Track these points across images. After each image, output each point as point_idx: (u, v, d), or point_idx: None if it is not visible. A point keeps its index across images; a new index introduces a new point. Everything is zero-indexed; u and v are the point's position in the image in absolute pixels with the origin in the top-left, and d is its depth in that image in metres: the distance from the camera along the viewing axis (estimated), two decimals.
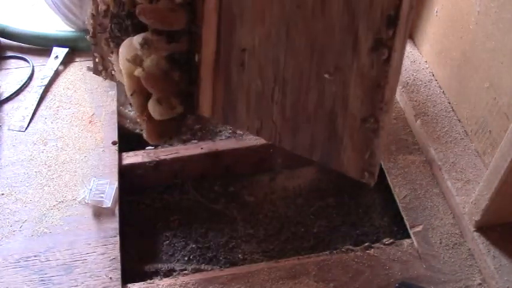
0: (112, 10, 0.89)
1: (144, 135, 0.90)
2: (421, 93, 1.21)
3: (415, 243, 0.99)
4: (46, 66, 1.31)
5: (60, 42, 1.35)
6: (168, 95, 0.87)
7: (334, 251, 0.98)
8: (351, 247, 0.99)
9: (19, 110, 1.23)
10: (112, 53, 0.91)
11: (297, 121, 0.81)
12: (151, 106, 0.85)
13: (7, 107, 1.24)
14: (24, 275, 0.94)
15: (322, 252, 0.99)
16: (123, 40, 0.88)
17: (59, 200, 1.05)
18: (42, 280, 0.94)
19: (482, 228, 0.96)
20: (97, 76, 1.09)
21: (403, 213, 1.04)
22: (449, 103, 1.18)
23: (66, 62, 1.33)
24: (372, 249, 0.98)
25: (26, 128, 1.19)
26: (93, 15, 0.94)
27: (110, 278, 0.94)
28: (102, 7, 0.92)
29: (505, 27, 0.94)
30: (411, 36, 1.34)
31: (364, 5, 0.67)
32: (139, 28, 0.86)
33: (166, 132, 0.90)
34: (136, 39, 0.84)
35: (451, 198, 1.03)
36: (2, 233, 1.01)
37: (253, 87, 0.83)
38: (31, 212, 1.04)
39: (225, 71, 0.85)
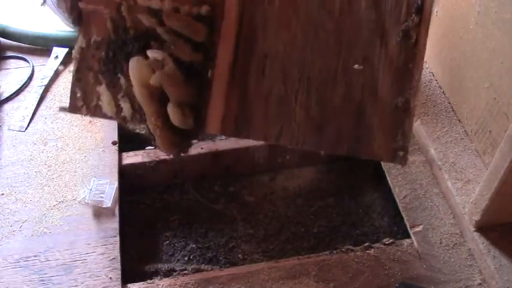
0: (112, 37, 0.89)
1: (157, 143, 0.88)
2: (421, 93, 1.21)
3: (415, 243, 0.99)
4: (46, 66, 1.31)
5: (60, 42, 1.35)
6: (185, 100, 0.86)
7: (334, 251, 0.98)
8: (351, 247, 0.99)
9: (19, 110, 1.23)
10: (100, 84, 0.90)
11: (323, 117, 0.82)
12: (171, 109, 0.84)
13: (7, 107, 1.24)
14: (24, 275, 0.94)
15: (322, 252, 0.99)
16: (115, 71, 0.88)
17: (59, 200, 1.05)
18: (42, 280, 0.94)
19: (482, 228, 0.96)
20: None
21: (403, 213, 1.04)
22: (449, 103, 1.18)
23: (66, 62, 1.33)
24: (372, 249, 0.98)
25: (26, 128, 1.19)
26: (81, 49, 0.91)
27: (110, 278, 0.94)
28: (96, 38, 0.90)
29: (505, 27, 0.94)
30: None
31: (390, 2, 0.76)
32: (143, 51, 0.86)
33: (178, 141, 0.89)
34: (154, 52, 0.84)
35: (451, 198, 1.03)
36: (2, 233, 1.01)
37: (274, 92, 0.84)
38: (31, 212, 1.04)
39: (241, 81, 0.85)
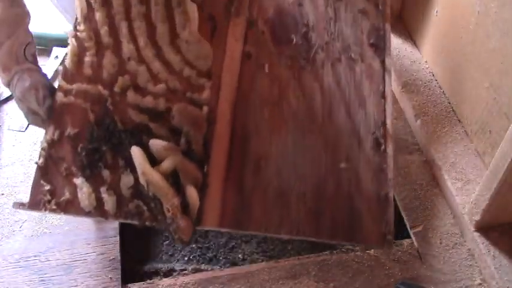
0: (95, 129, 0.89)
1: (178, 227, 0.84)
2: (421, 93, 1.21)
3: (415, 243, 0.99)
4: (46, 66, 1.31)
5: (60, 42, 1.35)
6: (197, 183, 0.88)
7: (334, 251, 0.98)
8: (351, 247, 0.99)
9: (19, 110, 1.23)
10: (75, 176, 0.87)
11: (319, 209, 0.90)
12: (190, 190, 0.86)
13: (7, 107, 1.24)
14: (24, 275, 0.94)
15: (322, 252, 0.99)
16: (98, 163, 0.88)
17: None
18: (42, 280, 0.94)
19: (482, 228, 0.96)
20: None
21: (403, 213, 1.04)
22: (449, 103, 1.18)
23: None
24: (372, 249, 0.98)
25: (26, 128, 1.20)
26: (52, 141, 0.89)
27: (110, 278, 0.94)
28: (72, 130, 0.90)
29: (505, 27, 0.94)
30: (411, 36, 1.34)
31: (360, 115, 0.95)
32: (135, 143, 0.88)
33: (192, 226, 0.88)
34: (156, 142, 0.86)
35: (451, 198, 1.03)
36: (2, 233, 1.01)
37: (271, 187, 0.91)
38: (31, 212, 1.04)
39: (238, 178, 0.91)
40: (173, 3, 0.94)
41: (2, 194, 1.07)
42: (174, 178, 0.85)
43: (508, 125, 0.86)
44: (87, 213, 0.86)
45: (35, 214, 1.03)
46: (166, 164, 0.85)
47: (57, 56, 1.32)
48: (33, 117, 0.94)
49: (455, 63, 1.13)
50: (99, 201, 0.86)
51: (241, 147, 0.92)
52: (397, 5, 1.37)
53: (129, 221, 0.85)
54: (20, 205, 0.87)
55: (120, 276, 0.94)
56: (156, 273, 1.00)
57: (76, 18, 0.95)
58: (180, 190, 0.85)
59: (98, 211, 0.86)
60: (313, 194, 0.91)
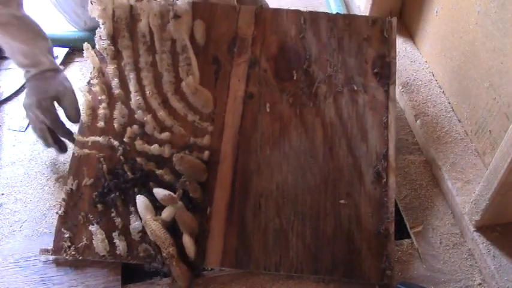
0: (107, 178, 0.96)
1: (174, 274, 0.92)
2: (421, 93, 1.21)
3: (415, 243, 0.99)
4: None
5: (60, 42, 1.35)
6: (195, 232, 0.93)
7: None
8: None
9: (19, 110, 1.23)
10: (91, 223, 0.95)
11: (318, 246, 0.92)
12: (187, 240, 0.91)
13: (7, 107, 1.24)
14: (24, 275, 0.94)
15: None
16: (109, 210, 0.95)
17: (59, 200, 1.05)
18: (42, 280, 0.94)
19: (482, 228, 0.96)
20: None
21: (403, 213, 1.04)
22: (449, 103, 1.18)
23: (66, 62, 1.34)
24: None
25: (26, 128, 1.20)
26: (71, 191, 0.98)
27: (110, 278, 0.94)
28: (88, 180, 0.97)
29: (505, 27, 0.94)
30: (411, 36, 1.34)
31: (362, 149, 0.97)
32: (141, 188, 0.95)
33: (190, 272, 0.92)
34: (158, 191, 0.92)
35: (451, 198, 1.03)
36: (2, 233, 1.01)
37: (271, 226, 0.94)
38: (31, 212, 1.04)
39: (239, 218, 0.94)
40: (178, 48, 1.00)
41: (2, 194, 1.07)
42: (173, 226, 0.92)
43: (508, 125, 0.86)
44: (102, 257, 0.94)
45: (35, 214, 1.03)
46: (165, 214, 0.91)
47: (57, 56, 1.32)
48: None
49: (455, 63, 1.13)
50: (112, 245, 0.94)
51: (242, 187, 0.96)
52: (397, 5, 1.37)
53: (141, 263, 0.93)
54: (45, 251, 0.95)
55: (120, 276, 0.94)
56: (156, 273, 1.00)
57: (90, 73, 1.03)
58: (179, 238, 0.91)
59: (112, 255, 0.94)
60: (312, 231, 0.93)
